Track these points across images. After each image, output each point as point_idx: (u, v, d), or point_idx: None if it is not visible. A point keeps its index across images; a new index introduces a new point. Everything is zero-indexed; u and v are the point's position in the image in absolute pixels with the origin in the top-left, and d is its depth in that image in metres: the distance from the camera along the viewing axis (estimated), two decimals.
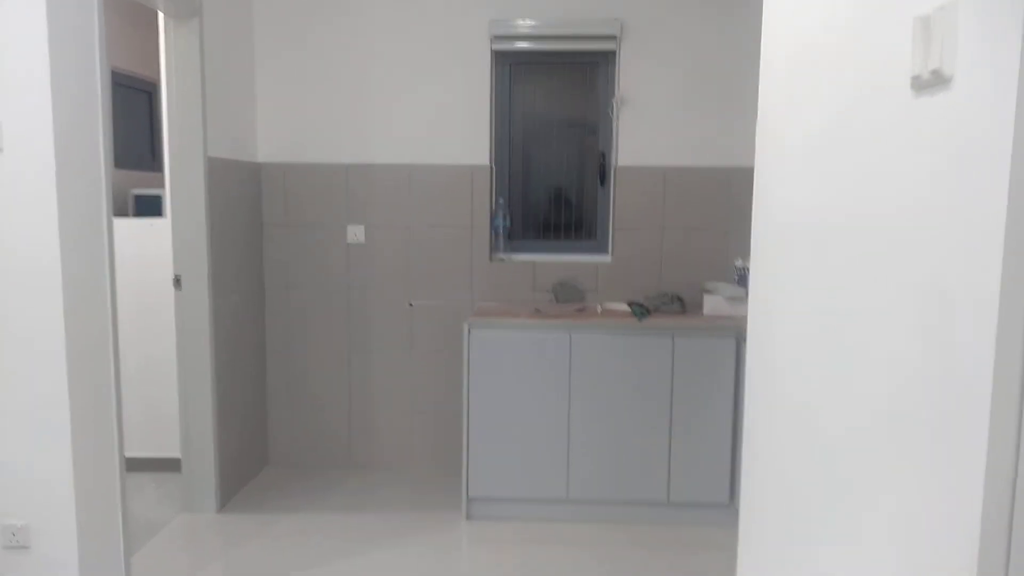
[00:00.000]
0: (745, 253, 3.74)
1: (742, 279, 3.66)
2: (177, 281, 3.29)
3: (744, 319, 3.30)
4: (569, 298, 3.77)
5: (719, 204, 3.75)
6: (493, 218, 3.84)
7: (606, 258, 3.87)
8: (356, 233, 3.83)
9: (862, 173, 1.22)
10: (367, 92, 3.77)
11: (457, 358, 3.81)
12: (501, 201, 3.86)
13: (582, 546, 3.14)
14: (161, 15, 3.31)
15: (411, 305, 3.85)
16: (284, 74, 3.77)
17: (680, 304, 3.52)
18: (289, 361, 3.91)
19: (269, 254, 3.86)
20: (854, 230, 1.24)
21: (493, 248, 3.85)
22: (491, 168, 3.80)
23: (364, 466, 3.94)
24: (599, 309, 3.50)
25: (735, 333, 3.24)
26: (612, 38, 3.70)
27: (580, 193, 3.95)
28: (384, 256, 3.83)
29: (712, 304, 3.46)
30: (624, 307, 3.53)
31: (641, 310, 3.39)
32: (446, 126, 3.77)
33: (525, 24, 3.70)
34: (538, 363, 3.27)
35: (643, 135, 3.76)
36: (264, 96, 3.79)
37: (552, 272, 3.82)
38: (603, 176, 3.88)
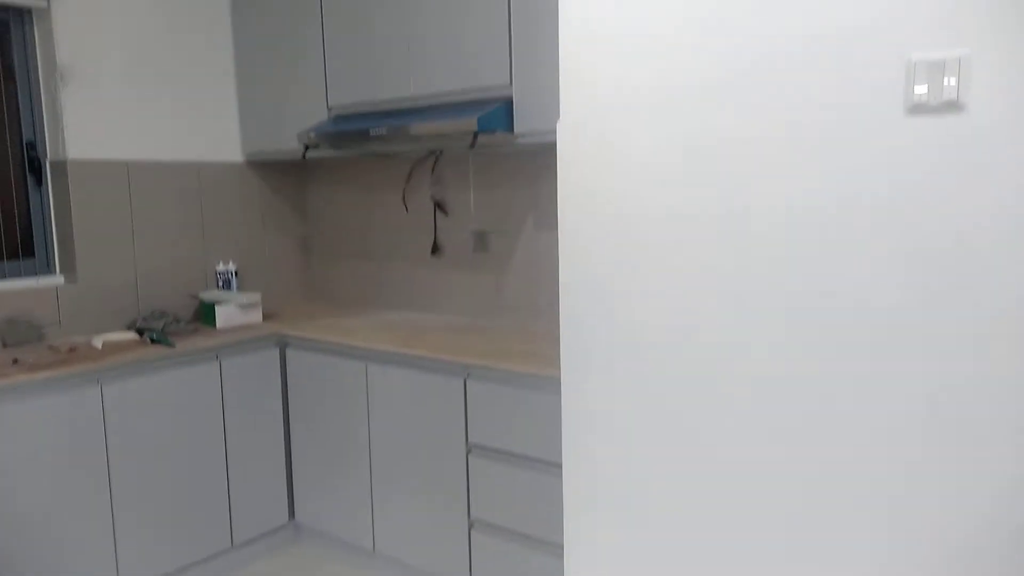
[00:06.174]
0: (226, 256, 3.43)
1: (227, 284, 3.37)
2: None
3: (264, 325, 3.01)
4: (24, 339, 2.78)
5: (191, 204, 3.31)
6: None
7: (57, 280, 2.98)
8: None
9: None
10: None
11: None
12: None
13: None
14: None
15: None
16: None
17: (182, 323, 3.03)
18: None
19: None
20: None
21: None
22: None
23: None
24: (99, 344, 2.71)
25: (276, 340, 3.01)
26: None
27: (8, 198, 2.90)
28: None
29: (225, 315, 3.09)
30: (130, 336, 2.84)
31: (161, 336, 2.79)
32: None
33: None
34: (58, 435, 2.37)
35: (97, 120, 2.99)
36: None
37: None
38: (38, 174, 2.94)
